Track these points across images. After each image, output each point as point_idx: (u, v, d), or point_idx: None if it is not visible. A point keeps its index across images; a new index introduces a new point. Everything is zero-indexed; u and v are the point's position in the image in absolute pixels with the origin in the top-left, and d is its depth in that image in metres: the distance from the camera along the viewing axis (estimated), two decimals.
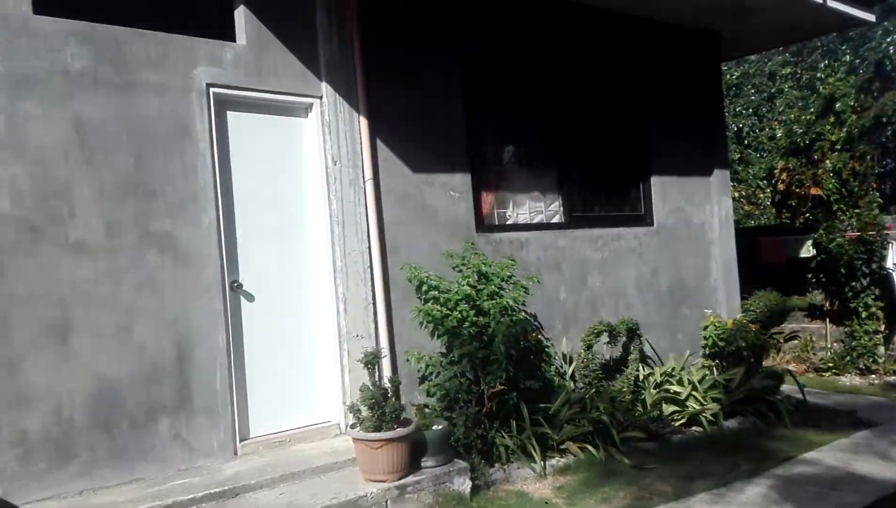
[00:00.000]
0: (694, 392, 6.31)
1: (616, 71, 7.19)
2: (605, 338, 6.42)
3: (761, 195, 14.33)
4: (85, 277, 4.28)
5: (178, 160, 4.62)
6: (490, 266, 5.65)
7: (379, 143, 5.52)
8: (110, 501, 4.00)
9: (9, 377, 4.02)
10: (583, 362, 6.14)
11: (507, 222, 6.42)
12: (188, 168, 4.65)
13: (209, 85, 4.75)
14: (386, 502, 4.32)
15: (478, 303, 5.41)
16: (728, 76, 17.19)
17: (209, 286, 4.69)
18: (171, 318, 4.54)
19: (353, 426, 4.57)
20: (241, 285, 4.94)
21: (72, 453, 4.17)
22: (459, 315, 5.31)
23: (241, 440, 4.77)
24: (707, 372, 6.68)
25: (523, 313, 5.84)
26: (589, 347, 6.19)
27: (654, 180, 7.38)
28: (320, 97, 5.26)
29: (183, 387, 4.54)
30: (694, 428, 6.08)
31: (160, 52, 4.58)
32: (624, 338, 6.57)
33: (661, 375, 6.50)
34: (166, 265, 4.54)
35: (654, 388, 6.35)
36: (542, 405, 5.46)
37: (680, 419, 6.11)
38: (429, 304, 5.39)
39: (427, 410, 5.01)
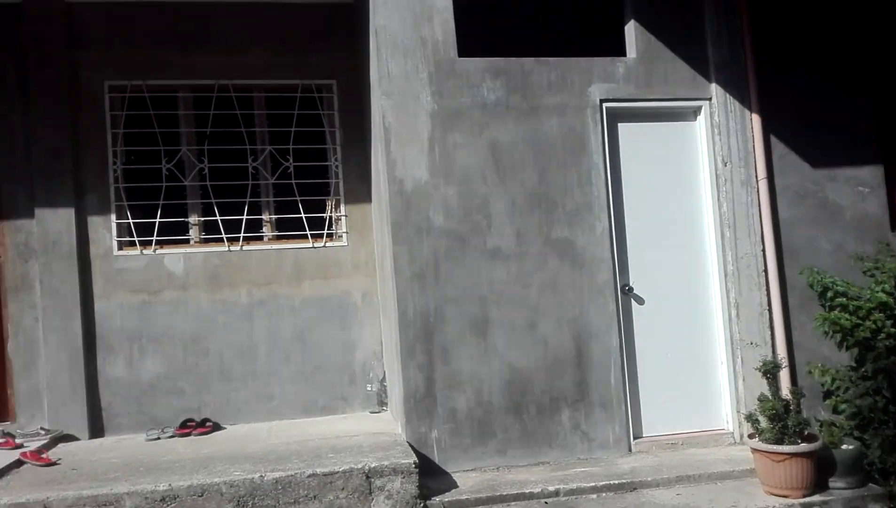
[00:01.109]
0: None
1: None
2: None
3: None
4: (499, 279, 4.93)
5: (575, 173, 5.02)
6: None
7: (773, 140, 5.25)
8: (523, 479, 4.54)
9: (443, 362, 4.83)
10: None
11: None
12: (583, 179, 5.03)
13: (602, 100, 5.08)
14: None
15: None
16: None
17: (602, 289, 5.01)
18: (569, 316, 4.96)
19: (750, 436, 4.45)
20: (631, 289, 5.16)
21: (490, 432, 4.83)
22: (873, 325, 4.78)
23: (634, 438, 4.99)
24: None
25: None
26: None
27: None
28: (709, 99, 5.22)
29: (581, 381, 4.93)
30: None
31: (559, 76, 5.04)
32: None
33: None
34: (565, 269, 4.98)
35: None
36: None
37: None
38: (834, 312, 4.95)
39: (834, 427, 4.62)
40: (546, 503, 4.27)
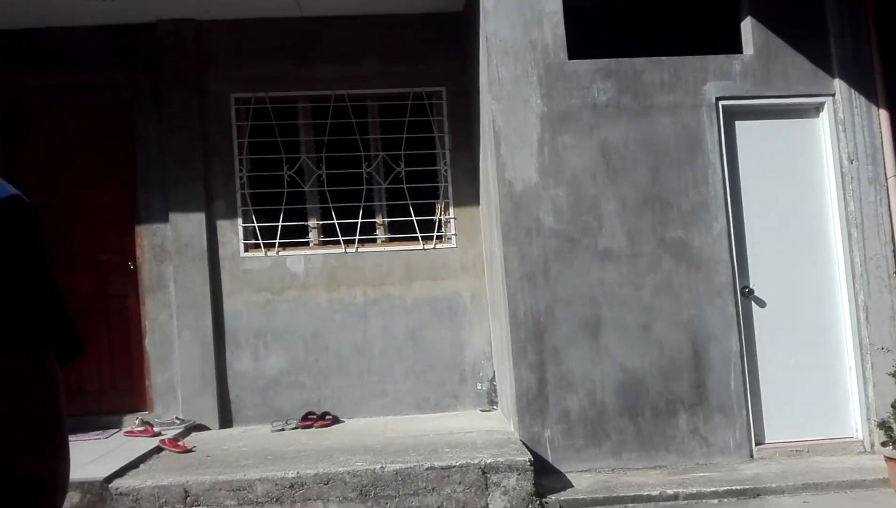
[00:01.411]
0: None
1: None
2: None
3: None
4: (610, 280, 4.91)
5: (690, 172, 4.95)
6: None
7: None
8: (640, 482, 4.49)
9: (555, 363, 4.86)
10: None
11: None
12: (699, 179, 4.94)
13: (718, 98, 4.98)
14: None
15: None
16: None
17: (721, 291, 4.90)
18: (685, 319, 4.88)
19: (883, 444, 4.25)
20: (752, 291, 5.01)
21: (604, 433, 4.82)
22: None
23: (756, 444, 4.85)
24: None
25: None
26: None
27: None
28: (832, 95, 5.02)
29: (698, 384, 4.84)
30: None
31: (672, 75, 4.98)
32: None
33: None
34: (680, 270, 4.91)
35: None
36: None
37: None
38: None
39: None
40: (665, 506, 4.22)
